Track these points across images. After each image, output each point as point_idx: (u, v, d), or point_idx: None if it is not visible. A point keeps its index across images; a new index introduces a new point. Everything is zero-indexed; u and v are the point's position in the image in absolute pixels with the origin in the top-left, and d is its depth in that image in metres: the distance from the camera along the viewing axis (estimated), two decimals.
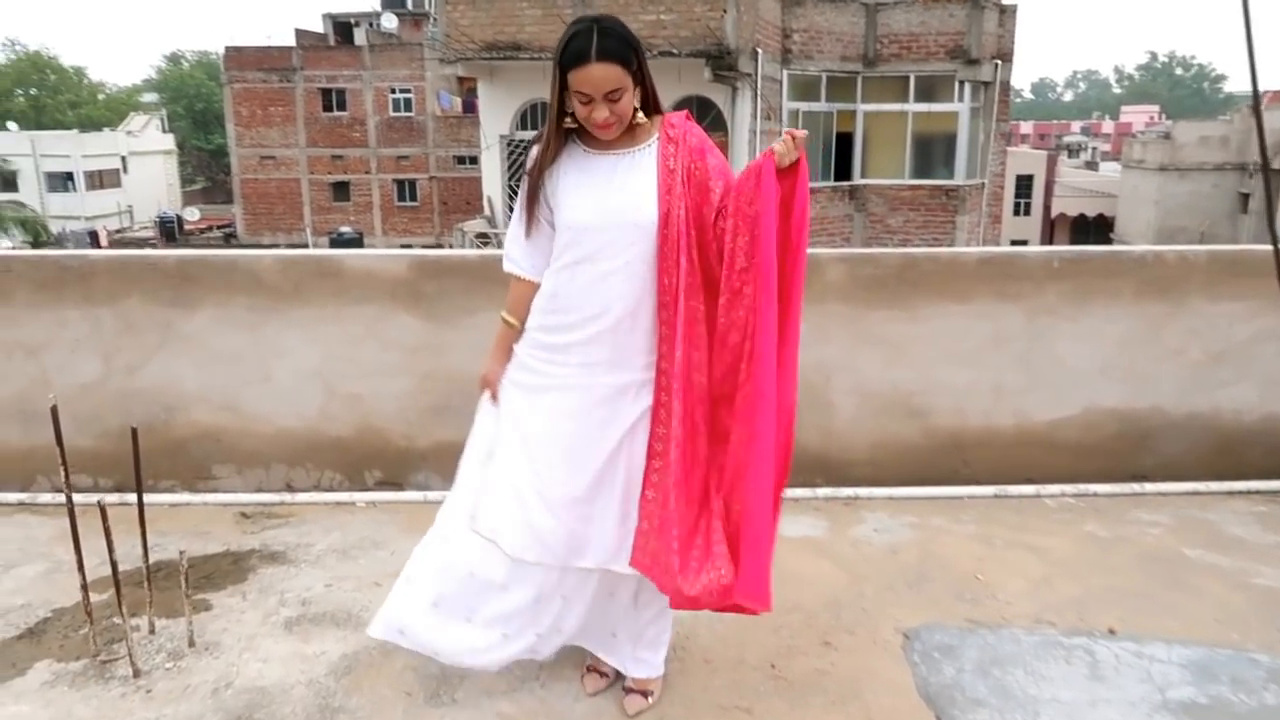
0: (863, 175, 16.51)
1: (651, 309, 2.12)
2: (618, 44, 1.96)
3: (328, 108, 34.39)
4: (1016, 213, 33.83)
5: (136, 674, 2.45)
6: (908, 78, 16.01)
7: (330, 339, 3.58)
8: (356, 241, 31.61)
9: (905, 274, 3.65)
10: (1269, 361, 3.71)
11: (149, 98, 57.91)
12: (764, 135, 14.35)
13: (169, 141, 49.48)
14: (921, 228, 16.12)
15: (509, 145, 15.06)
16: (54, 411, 2.40)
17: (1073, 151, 58.53)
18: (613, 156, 2.12)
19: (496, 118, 15.01)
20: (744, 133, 14.01)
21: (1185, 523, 3.42)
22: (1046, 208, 37.04)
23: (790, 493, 3.63)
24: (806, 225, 2.12)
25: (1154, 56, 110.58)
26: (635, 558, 2.14)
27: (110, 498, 3.49)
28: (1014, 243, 31.75)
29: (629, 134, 2.11)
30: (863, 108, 16.22)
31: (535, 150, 2.15)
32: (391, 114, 34.23)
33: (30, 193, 37.60)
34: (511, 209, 2.29)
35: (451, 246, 19.25)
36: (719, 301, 2.10)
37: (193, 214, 38.37)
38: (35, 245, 28.99)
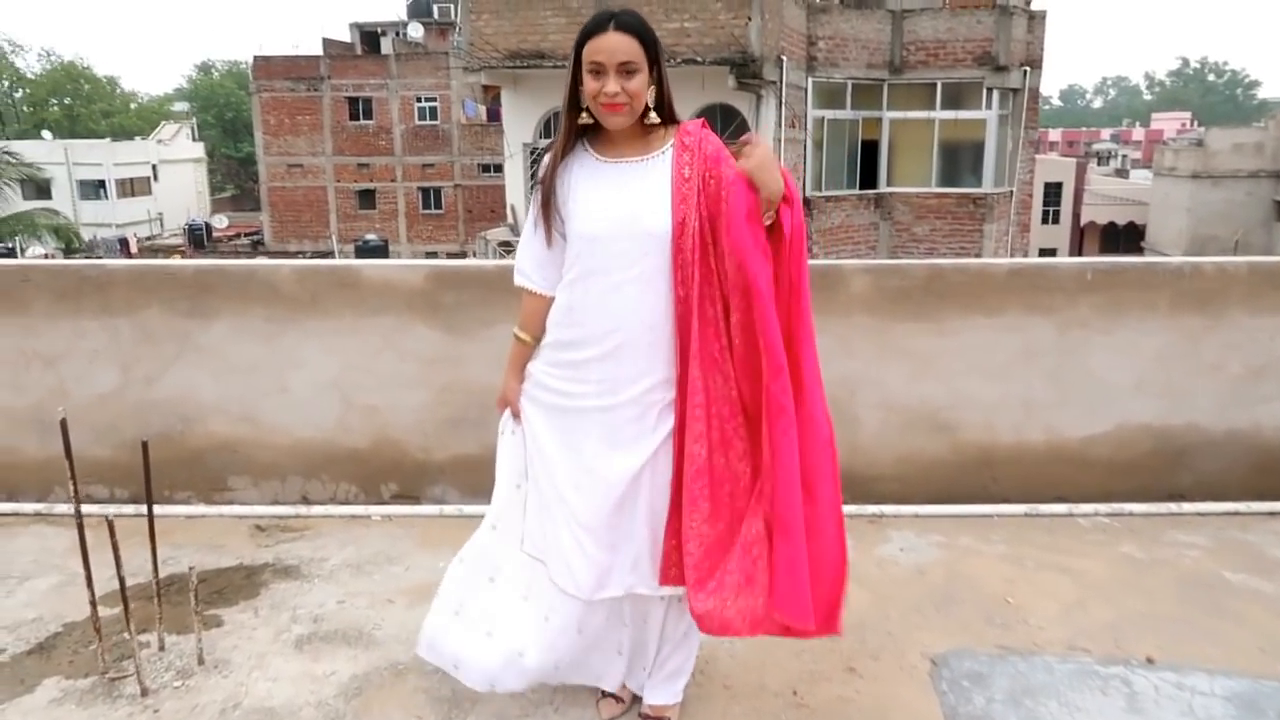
0: (888, 183, 16.36)
1: (670, 321, 2.05)
2: (638, 23, 1.97)
3: (354, 116, 34.70)
4: (1045, 221, 33.43)
5: (144, 693, 2.41)
6: (934, 85, 15.85)
7: (347, 350, 3.54)
8: (382, 249, 31.80)
9: (932, 285, 3.56)
10: None
11: (180, 107, 58.83)
12: (788, 143, 14.26)
13: (199, 150, 50.18)
14: (948, 236, 15.94)
15: (532, 153, 15.08)
16: (63, 425, 2.37)
17: (1102, 159, 57.88)
18: (625, 164, 2.05)
19: (520, 126, 15.03)
20: (768, 141, 13.90)
21: (1225, 544, 3.30)
22: (1075, 216, 36.58)
23: None
24: (802, 254, 2.03)
25: (1185, 62, 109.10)
26: (664, 577, 2.08)
27: (127, 509, 3.50)
28: (1042, 251, 31.39)
29: (642, 141, 2.05)
30: (889, 115, 16.07)
31: (548, 159, 2.09)
32: (417, 122, 34.48)
33: (63, 200, 38.17)
34: None
35: (475, 255, 19.32)
36: (732, 318, 2.03)
37: (221, 221, 38.83)
38: (67, 252, 29.37)
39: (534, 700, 2.36)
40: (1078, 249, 36.69)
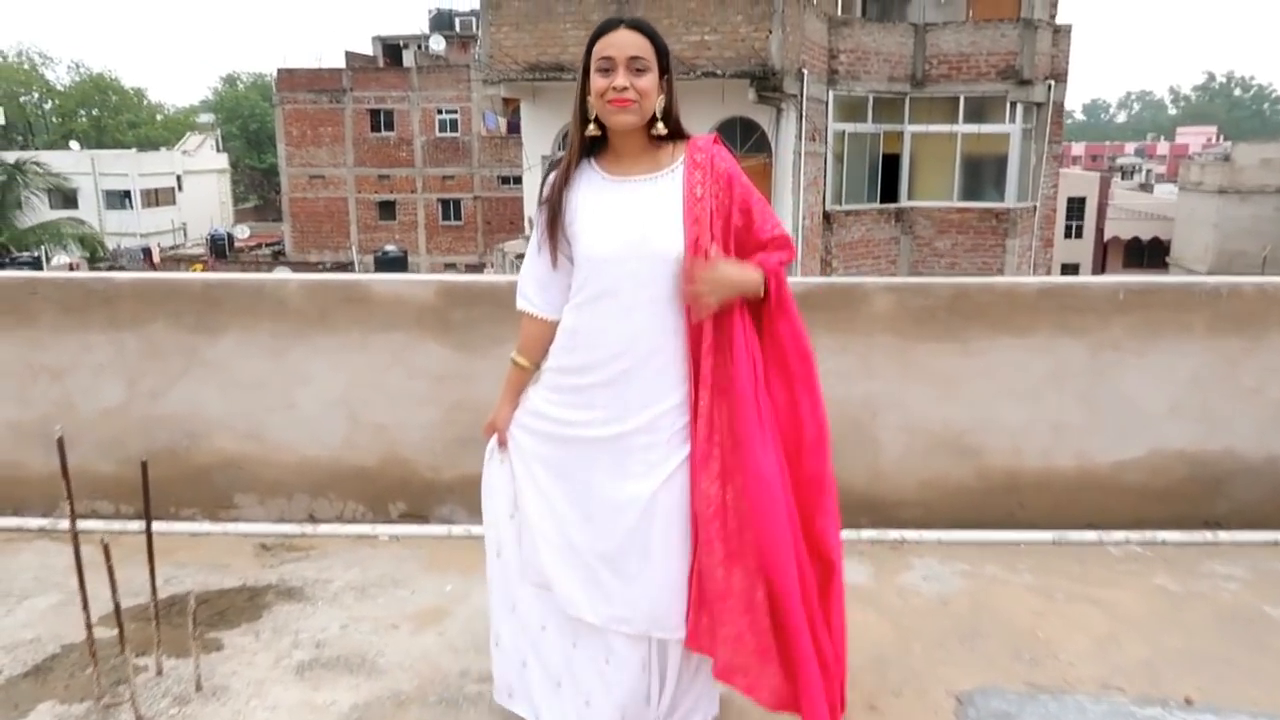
0: (909, 197, 16.21)
1: (681, 346, 1.96)
2: (649, 26, 1.93)
3: (375, 128, 34.96)
4: (1068, 235, 33.13)
5: None
6: (957, 98, 15.71)
7: (356, 366, 3.47)
8: (401, 260, 31.96)
9: (957, 304, 3.44)
10: None
11: (205, 118, 59.49)
12: (808, 157, 14.16)
13: (223, 161, 50.72)
14: (970, 251, 15.76)
15: (550, 166, 15.04)
16: (60, 444, 2.30)
17: (1126, 173, 57.36)
18: (634, 182, 1.97)
19: (539, 138, 15.02)
20: (788, 155, 13.83)
21: (1265, 576, 3.15)
22: (1099, 231, 36.22)
23: None
24: (799, 346, 1.98)
25: (1211, 77, 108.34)
26: (691, 637, 1.99)
27: (132, 525, 3.43)
28: (1065, 267, 31.08)
29: (651, 157, 1.97)
30: (910, 129, 15.94)
31: (553, 177, 2.01)
32: (438, 134, 34.69)
33: (89, 210, 38.65)
34: None
35: (492, 266, 19.32)
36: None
37: (243, 232, 39.17)
38: (92, 261, 29.72)
39: None
40: (1101, 264, 36.31)
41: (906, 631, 2.80)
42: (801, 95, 13.69)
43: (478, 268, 29.27)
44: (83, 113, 58.25)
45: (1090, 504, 3.51)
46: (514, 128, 24.86)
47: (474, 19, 36.08)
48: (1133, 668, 2.60)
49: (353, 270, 30.78)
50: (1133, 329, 3.42)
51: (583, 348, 1.99)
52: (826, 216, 15.24)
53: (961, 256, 15.80)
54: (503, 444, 2.11)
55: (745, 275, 1.91)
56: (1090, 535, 3.44)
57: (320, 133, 34.97)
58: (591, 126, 1.95)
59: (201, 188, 46.28)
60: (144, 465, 2.45)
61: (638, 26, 1.91)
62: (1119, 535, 3.43)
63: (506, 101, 14.93)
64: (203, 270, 28.99)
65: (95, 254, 29.80)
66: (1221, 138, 65.12)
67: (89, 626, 2.39)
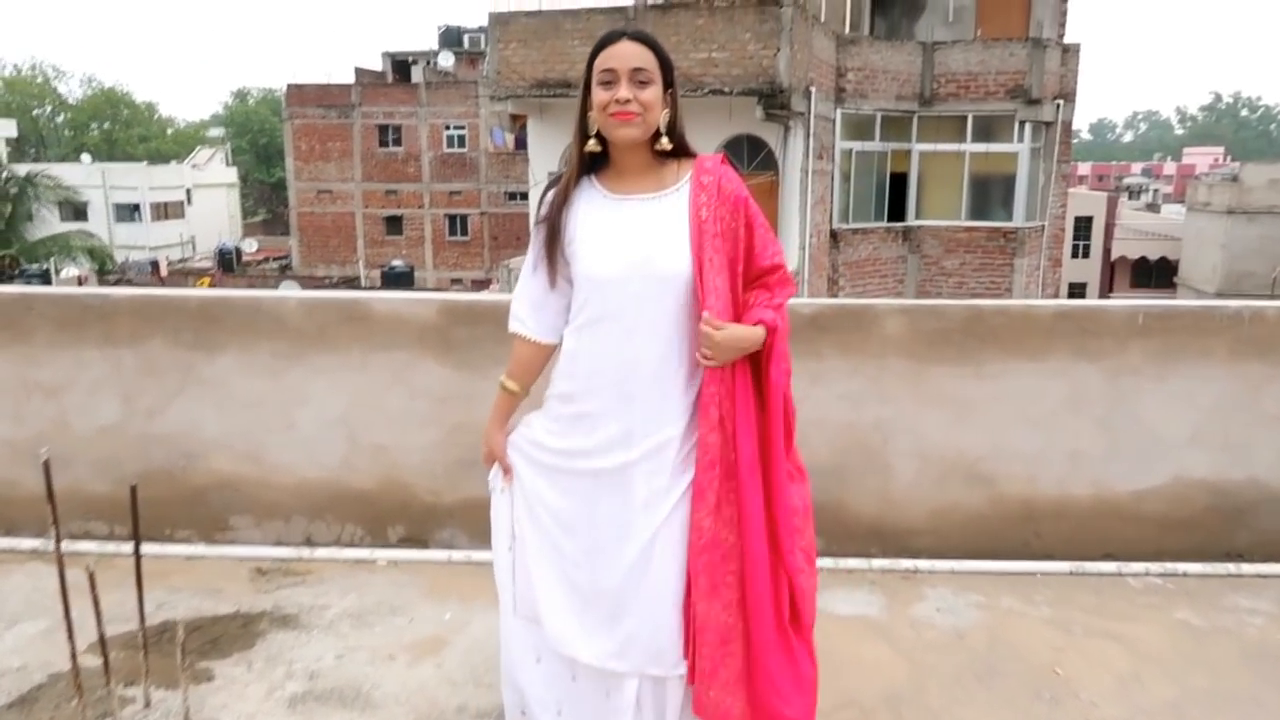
0: (917, 216, 16.13)
1: (685, 371, 1.89)
2: (652, 38, 1.86)
3: (384, 143, 35.07)
4: (1075, 255, 32.99)
5: None
6: (965, 117, 15.66)
7: (356, 386, 3.40)
8: (408, 275, 31.98)
9: (972, 327, 3.36)
10: None
11: (215, 132, 59.82)
12: (815, 175, 14.11)
13: (232, 175, 50.94)
14: (978, 270, 15.66)
15: (549, 183, 15.00)
16: (46, 467, 2.23)
17: (1133, 193, 57.28)
18: (636, 201, 1.90)
19: (545, 154, 14.99)
20: (796, 172, 13.77)
21: None
22: (1106, 250, 36.09)
23: (844, 563, 3.34)
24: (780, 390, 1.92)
25: (1218, 97, 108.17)
26: (690, 673, 1.91)
27: (126, 547, 3.35)
28: (1072, 286, 30.94)
29: (654, 175, 1.90)
30: (918, 147, 15.88)
31: (551, 194, 1.94)
32: (445, 150, 34.78)
33: (99, 222, 38.80)
34: None
35: (498, 282, 19.29)
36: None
37: (251, 245, 39.26)
38: (101, 273, 29.82)
39: None
40: (1108, 284, 36.17)
41: (921, 668, 2.70)
42: (809, 113, 13.65)
43: (484, 283, 29.27)
44: (95, 126, 58.63)
45: (1108, 533, 3.41)
46: (521, 144, 24.92)
47: (482, 36, 36.25)
48: (1158, 709, 2.50)
49: (359, 284, 30.80)
50: (1152, 354, 3.33)
51: (583, 373, 1.92)
52: (833, 235, 15.16)
53: (969, 276, 15.70)
54: (506, 472, 2.03)
55: (750, 336, 1.85)
56: (1109, 566, 3.34)
57: (329, 147, 35.10)
58: (592, 142, 1.88)
59: (210, 201, 46.45)
60: (133, 490, 2.37)
61: (641, 38, 1.84)
62: (1138, 567, 3.33)
63: (514, 117, 14.91)
64: (209, 284, 29.04)
65: (104, 266, 29.89)
66: (1228, 158, 65.02)
67: (74, 656, 2.31)
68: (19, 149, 48.71)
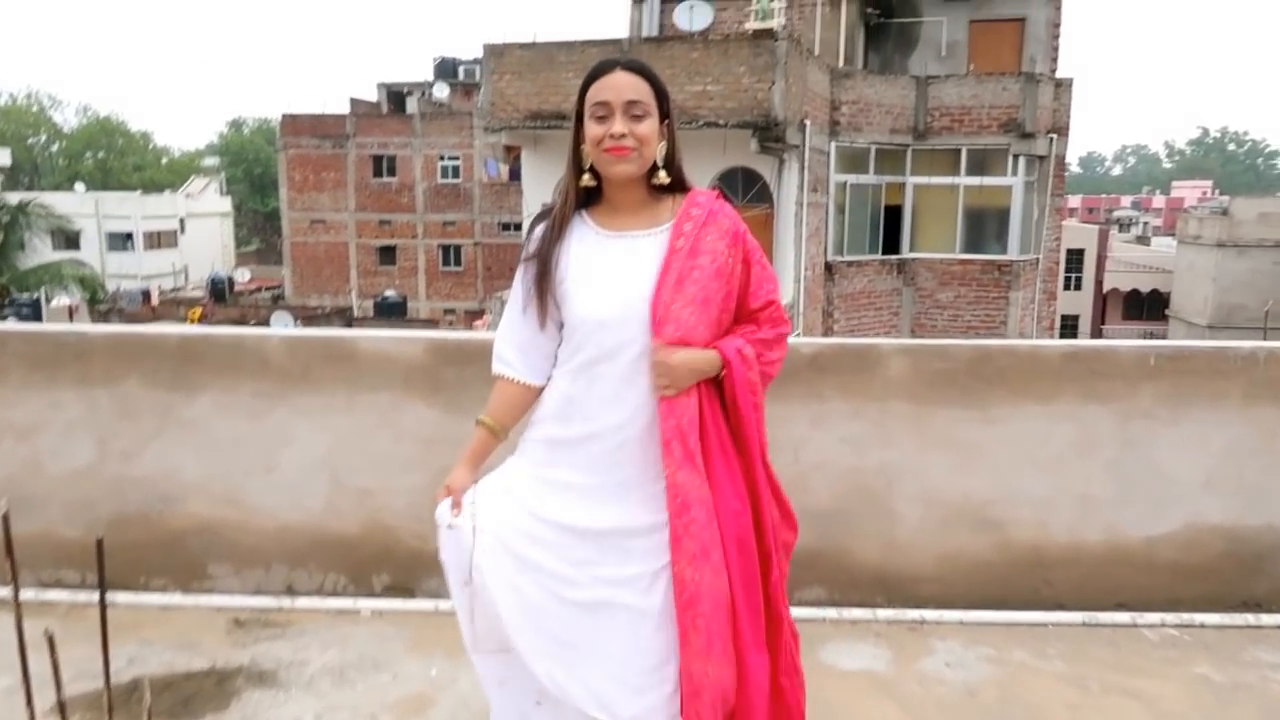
0: (911, 249, 16.14)
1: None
2: (647, 68, 1.77)
3: (378, 173, 35.13)
4: (1066, 287, 33.11)
5: None
6: (959, 150, 15.72)
7: (340, 428, 3.27)
8: (401, 305, 31.89)
9: (978, 368, 3.26)
10: None
11: (210, 161, 59.96)
12: (810, 207, 14.11)
13: (226, 204, 51.00)
14: (973, 303, 15.65)
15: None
16: (5, 519, 2.09)
17: (1123, 225, 57.72)
18: (630, 238, 1.80)
19: (539, 186, 14.98)
20: (790, 205, 13.77)
21: None
22: (1098, 283, 36.26)
23: (848, 613, 3.21)
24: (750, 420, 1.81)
25: (1205, 131, 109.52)
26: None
27: (111, 596, 3.20)
28: (1064, 318, 31.00)
29: (649, 211, 1.81)
30: (912, 180, 15.93)
31: (540, 229, 1.84)
32: (439, 180, 34.85)
33: (91, 251, 38.69)
34: None
35: (492, 313, 19.21)
36: None
37: (243, 275, 39.19)
38: (92, 302, 29.62)
39: None
40: (1100, 316, 36.30)
41: None
42: (804, 146, 13.68)
43: (477, 314, 29.14)
44: (89, 155, 58.73)
45: (1121, 581, 3.29)
46: (515, 175, 25.00)
47: (477, 67, 36.52)
48: None
49: (352, 314, 30.66)
50: (1164, 396, 3.23)
51: (579, 418, 1.81)
52: (828, 267, 15.15)
53: (964, 309, 15.68)
54: (457, 505, 1.90)
55: (702, 358, 1.76)
56: (1123, 617, 3.21)
57: (323, 178, 35.14)
58: (586, 176, 1.79)
59: (204, 231, 46.44)
60: (99, 542, 2.23)
61: (635, 68, 1.76)
62: (1154, 617, 3.21)
63: (508, 149, 14.90)
64: (200, 314, 28.86)
65: (95, 296, 29.72)
66: (1216, 191, 65.65)
67: None
68: (13, 177, 48.69)
